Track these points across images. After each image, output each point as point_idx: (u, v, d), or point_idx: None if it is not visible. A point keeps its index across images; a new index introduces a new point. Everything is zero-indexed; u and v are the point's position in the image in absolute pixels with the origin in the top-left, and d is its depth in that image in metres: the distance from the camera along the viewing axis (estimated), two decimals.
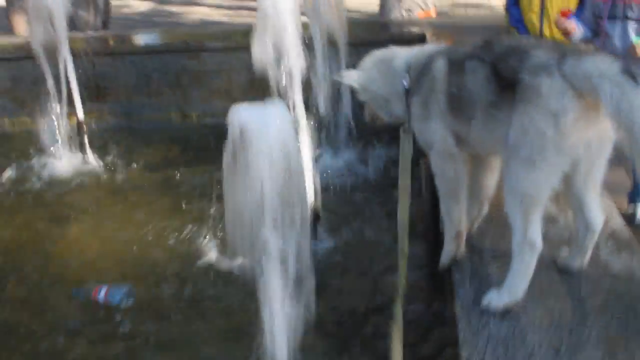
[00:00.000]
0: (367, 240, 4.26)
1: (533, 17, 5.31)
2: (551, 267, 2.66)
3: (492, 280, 2.61)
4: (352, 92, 5.27)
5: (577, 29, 4.41)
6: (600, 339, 2.25)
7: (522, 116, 2.37)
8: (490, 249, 2.85)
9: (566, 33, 4.44)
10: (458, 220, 2.83)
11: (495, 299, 2.46)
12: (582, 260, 2.64)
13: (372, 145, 5.31)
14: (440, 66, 2.74)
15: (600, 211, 2.60)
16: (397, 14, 7.12)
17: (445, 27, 6.16)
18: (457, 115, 2.68)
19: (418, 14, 6.79)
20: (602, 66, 2.24)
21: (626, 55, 4.17)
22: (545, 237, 2.50)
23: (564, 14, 4.38)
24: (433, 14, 7.01)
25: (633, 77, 2.17)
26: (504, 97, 2.47)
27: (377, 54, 3.13)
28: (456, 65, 2.67)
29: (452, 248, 2.84)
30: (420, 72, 2.82)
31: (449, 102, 2.69)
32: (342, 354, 3.14)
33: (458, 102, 2.65)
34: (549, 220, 2.87)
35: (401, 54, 3.01)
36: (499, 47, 2.56)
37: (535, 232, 2.43)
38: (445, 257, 2.88)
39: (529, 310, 2.43)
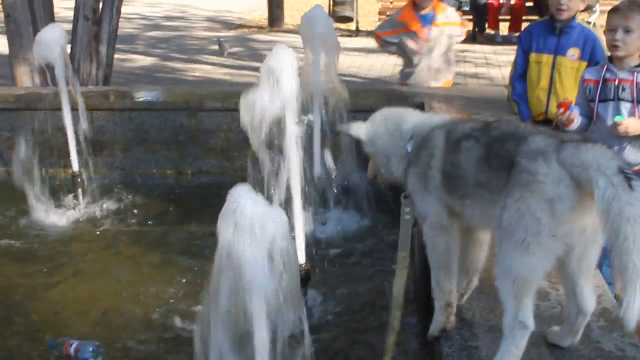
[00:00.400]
0: (359, 301, 4.24)
1: (540, 94, 5.23)
2: (541, 343, 2.63)
3: (482, 355, 2.58)
4: (350, 156, 5.45)
5: (577, 119, 4.34)
6: None
7: (517, 201, 2.38)
8: (481, 323, 2.83)
9: (566, 125, 4.37)
10: (449, 292, 2.82)
11: None
12: (574, 339, 2.62)
13: (365, 209, 5.31)
14: (438, 142, 2.78)
15: (592, 295, 2.59)
16: None
17: (447, 98, 6.21)
18: (450, 192, 2.71)
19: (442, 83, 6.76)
20: (600, 160, 2.26)
21: (610, 132, 4.18)
22: (537, 313, 2.48)
23: (565, 106, 4.32)
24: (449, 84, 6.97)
25: (628, 180, 2.18)
26: (497, 180, 2.48)
27: (388, 112, 3.20)
28: (453, 143, 2.71)
29: (442, 319, 2.82)
30: (420, 145, 2.87)
31: (443, 178, 2.72)
32: None
33: (451, 179, 2.68)
34: (540, 295, 2.86)
35: (410, 119, 3.08)
36: (496, 131, 2.60)
37: (527, 314, 2.42)
38: (435, 328, 2.86)
39: None
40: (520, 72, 5.35)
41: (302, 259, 4.17)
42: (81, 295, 4.43)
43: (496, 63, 13.01)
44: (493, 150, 2.53)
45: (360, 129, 3.19)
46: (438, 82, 6.70)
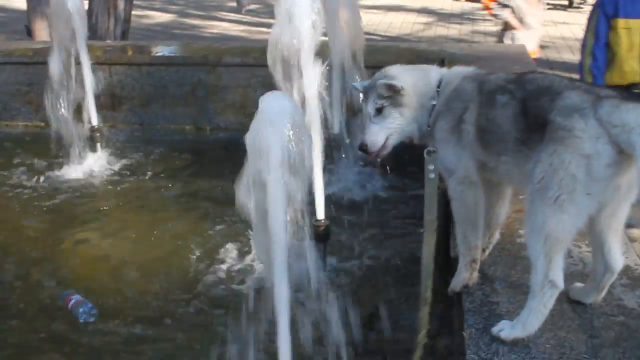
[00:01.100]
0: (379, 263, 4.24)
1: (633, 63, 4.99)
2: (563, 299, 2.61)
3: (502, 310, 2.58)
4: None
5: None
6: None
7: (551, 156, 2.33)
8: (502, 279, 2.81)
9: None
10: (475, 247, 2.79)
11: (507, 331, 2.41)
12: (597, 297, 2.59)
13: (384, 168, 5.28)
14: (471, 94, 2.72)
15: (620, 253, 2.55)
16: None
17: (468, 57, 6.13)
18: (485, 147, 2.65)
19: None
20: None
21: None
22: None
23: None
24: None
25: None
26: (534, 135, 2.43)
27: (407, 66, 3.09)
28: (487, 97, 2.65)
29: (466, 275, 2.79)
30: (450, 96, 2.80)
31: (477, 133, 2.66)
32: None
33: (487, 134, 2.63)
34: None
35: (436, 69, 3.01)
36: (531, 85, 2.54)
37: (558, 273, 2.38)
38: (456, 283, 2.83)
39: (539, 342, 2.39)
40: (604, 40, 5.07)
41: (320, 214, 4.18)
42: (102, 248, 4.45)
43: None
44: (529, 106, 2.48)
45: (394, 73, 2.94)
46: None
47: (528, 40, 7.04)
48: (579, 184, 2.29)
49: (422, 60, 5.91)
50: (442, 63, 5.84)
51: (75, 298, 3.71)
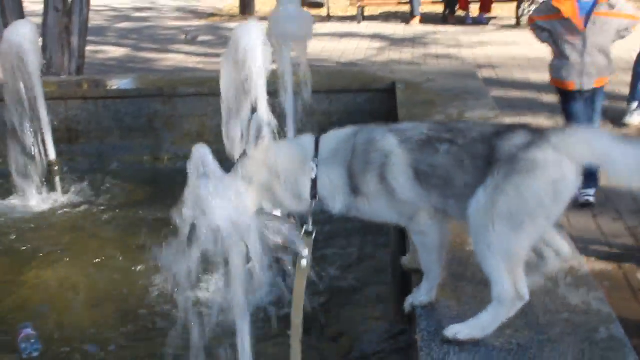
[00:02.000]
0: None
1: None
2: None
3: (453, 313, 2.68)
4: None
5: None
6: None
7: (518, 187, 2.48)
8: (450, 284, 2.91)
9: None
10: (439, 274, 2.82)
11: (463, 333, 2.52)
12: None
13: None
14: (392, 143, 2.74)
15: (564, 240, 2.79)
16: None
17: (416, 75, 6.31)
18: (429, 190, 2.70)
19: (597, 80, 5.76)
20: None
21: None
22: None
23: None
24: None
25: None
26: (483, 175, 2.57)
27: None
28: (422, 145, 2.71)
29: (427, 298, 2.81)
30: (364, 152, 2.76)
31: (419, 178, 2.70)
32: None
33: (430, 180, 2.68)
34: None
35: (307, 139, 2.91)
36: (470, 132, 2.67)
37: (524, 286, 2.54)
38: (417, 301, 2.82)
39: (488, 341, 2.49)
40: None
41: None
42: (57, 278, 4.51)
43: (467, 43, 13.12)
44: (476, 150, 2.61)
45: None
46: (590, 78, 5.74)
47: None
48: (545, 208, 2.48)
49: (372, 86, 6.14)
50: (392, 85, 6.03)
51: (25, 332, 3.74)
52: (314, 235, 2.88)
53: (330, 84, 5.88)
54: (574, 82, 5.76)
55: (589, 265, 4.69)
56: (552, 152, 2.49)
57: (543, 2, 6.12)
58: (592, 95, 5.81)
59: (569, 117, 5.90)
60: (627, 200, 5.82)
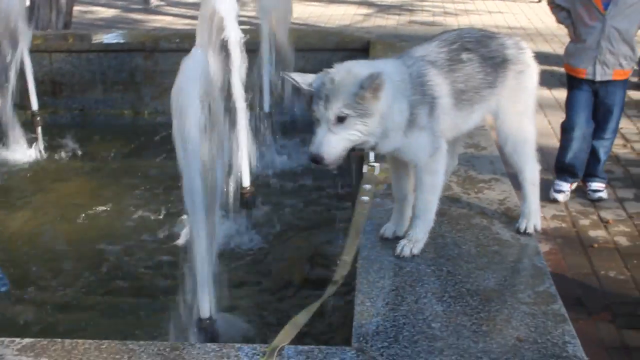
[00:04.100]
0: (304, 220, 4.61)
1: None
2: (443, 236, 2.96)
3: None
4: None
5: None
6: (479, 291, 2.55)
7: (527, 85, 2.95)
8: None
9: None
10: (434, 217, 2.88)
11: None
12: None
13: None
14: (429, 73, 2.75)
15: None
16: None
17: (388, 36, 6.49)
18: (461, 108, 2.82)
19: (615, 71, 5.18)
20: None
21: None
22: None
23: None
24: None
25: None
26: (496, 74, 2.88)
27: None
28: (450, 63, 2.79)
29: (424, 240, 2.86)
30: (417, 85, 2.71)
31: (453, 99, 2.79)
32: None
33: (463, 94, 2.82)
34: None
35: (397, 62, 2.78)
36: (469, 36, 2.90)
37: None
38: (417, 248, 2.83)
39: (420, 268, 2.72)
40: None
41: (246, 182, 4.49)
42: (33, 224, 4.73)
43: (452, 11, 13.28)
44: (485, 52, 2.86)
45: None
46: (606, 67, 5.16)
47: None
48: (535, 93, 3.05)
49: (348, 44, 6.32)
50: (367, 45, 6.21)
51: None
52: (377, 168, 2.85)
53: (305, 43, 6.05)
54: (586, 70, 5.19)
55: (544, 223, 4.94)
56: (530, 52, 2.98)
57: None
58: (606, 89, 5.22)
59: (570, 109, 5.39)
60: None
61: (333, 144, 2.47)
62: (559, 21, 5.41)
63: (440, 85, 2.74)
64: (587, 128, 5.36)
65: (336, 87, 2.47)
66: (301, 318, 2.40)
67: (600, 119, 5.34)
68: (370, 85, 2.44)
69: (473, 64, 2.84)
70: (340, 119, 2.47)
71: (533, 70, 2.99)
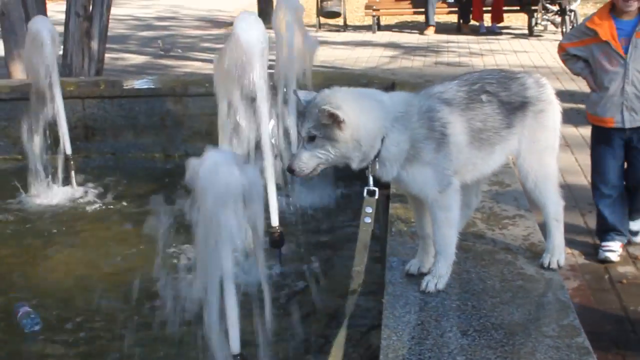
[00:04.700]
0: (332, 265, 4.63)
1: None
2: (469, 272, 3.00)
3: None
4: None
5: None
6: (503, 325, 2.59)
7: (547, 123, 3.02)
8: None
9: None
10: (454, 251, 2.91)
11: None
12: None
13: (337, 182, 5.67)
14: (447, 111, 2.82)
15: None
16: None
17: (413, 77, 6.59)
18: (479, 147, 2.89)
19: None
20: None
21: None
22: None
23: None
24: None
25: None
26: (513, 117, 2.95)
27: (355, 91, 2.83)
28: (465, 102, 2.87)
29: (447, 276, 2.89)
30: (421, 119, 2.78)
31: (470, 136, 2.86)
32: None
33: (482, 133, 2.89)
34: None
35: (387, 96, 2.85)
36: (491, 77, 2.98)
37: None
38: (442, 284, 2.86)
39: (446, 303, 2.77)
40: None
41: (274, 221, 4.57)
42: (66, 263, 4.86)
43: (478, 51, 13.38)
44: (505, 94, 2.93)
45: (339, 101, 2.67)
46: (635, 113, 4.83)
47: None
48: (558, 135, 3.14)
49: (373, 84, 6.42)
50: (392, 86, 6.30)
51: (23, 310, 4.05)
52: (377, 194, 2.84)
53: (331, 85, 6.15)
54: (614, 118, 4.86)
55: (572, 259, 4.95)
56: (550, 89, 3.03)
57: (573, 27, 5.51)
58: (638, 135, 4.90)
59: (600, 164, 5.03)
60: None
61: (304, 159, 2.69)
62: (575, 72, 5.08)
63: (452, 123, 2.80)
64: (621, 182, 5.04)
65: (310, 109, 2.68)
66: (340, 338, 2.61)
67: (638, 166, 4.96)
68: (323, 114, 2.60)
69: (492, 105, 2.90)
70: (311, 138, 2.67)
71: (554, 107, 3.05)
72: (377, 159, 2.76)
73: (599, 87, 4.90)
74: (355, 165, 2.75)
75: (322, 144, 2.65)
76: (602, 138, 4.99)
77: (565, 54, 5.04)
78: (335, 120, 2.60)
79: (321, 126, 2.63)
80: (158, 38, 16.37)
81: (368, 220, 2.82)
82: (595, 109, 4.95)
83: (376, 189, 2.82)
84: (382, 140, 2.73)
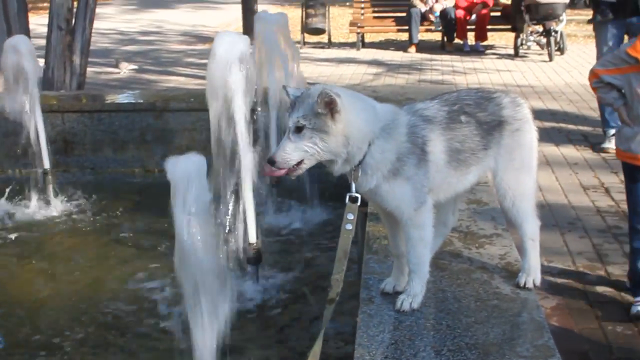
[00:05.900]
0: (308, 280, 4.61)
1: None
2: (445, 291, 2.98)
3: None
4: None
5: None
6: (478, 345, 2.57)
7: (523, 141, 3.03)
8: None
9: None
10: (428, 270, 2.90)
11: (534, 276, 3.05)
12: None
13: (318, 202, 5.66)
14: (429, 128, 2.83)
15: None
16: None
17: (394, 94, 6.60)
18: (456, 167, 2.90)
19: None
20: None
21: None
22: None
23: None
24: None
25: None
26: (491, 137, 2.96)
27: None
28: (448, 121, 2.88)
29: (422, 294, 2.88)
30: (409, 133, 2.77)
31: (449, 155, 2.87)
32: None
33: (459, 154, 2.89)
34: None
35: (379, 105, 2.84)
36: (468, 98, 2.98)
37: None
38: (416, 303, 2.85)
39: (420, 322, 2.75)
40: None
41: (252, 238, 4.55)
42: (47, 284, 4.78)
43: (462, 70, 13.43)
44: (482, 114, 2.93)
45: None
46: None
47: None
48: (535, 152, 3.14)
49: None
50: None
51: None
52: (359, 201, 2.78)
53: None
54: None
55: (551, 279, 4.94)
56: (527, 108, 3.05)
57: (609, 53, 4.85)
58: None
59: (637, 202, 4.43)
60: (597, 219, 6.05)
61: (287, 150, 2.61)
62: (607, 103, 4.68)
63: (433, 141, 2.80)
64: None
65: (301, 99, 2.64)
66: (317, 347, 2.60)
67: None
68: (322, 99, 2.56)
69: (470, 126, 2.90)
70: (298, 129, 2.61)
71: (530, 126, 3.05)
72: (359, 166, 2.73)
73: (633, 120, 4.31)
74: (337, 166, 2.72)
75: (310, 135, 2.60)
76: (636, 177, 4.41)
77: (597, 82, 4.43)
78: (331, 110, 2.58)
79: (312, 116, 2.59)
80: (140, 52, 16.37)
81: (349, 227, 2.78)
82: (630, 145, 4.32)
83: (358, 195, 2.77)
84: (369, 146, 2.71)
